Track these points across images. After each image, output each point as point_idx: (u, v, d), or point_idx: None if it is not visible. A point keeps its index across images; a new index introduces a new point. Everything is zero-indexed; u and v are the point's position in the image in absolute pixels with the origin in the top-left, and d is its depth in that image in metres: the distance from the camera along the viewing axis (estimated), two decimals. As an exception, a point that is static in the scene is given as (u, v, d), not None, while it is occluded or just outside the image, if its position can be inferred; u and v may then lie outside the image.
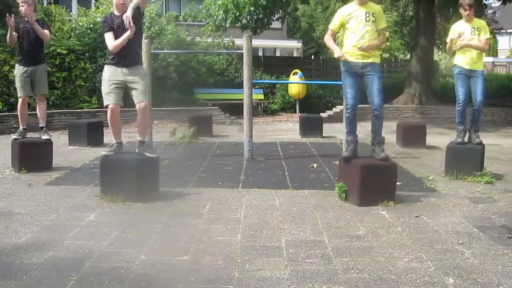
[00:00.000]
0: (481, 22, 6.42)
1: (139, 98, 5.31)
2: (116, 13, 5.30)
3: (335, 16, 5.33)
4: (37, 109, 6.75)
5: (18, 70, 6.64)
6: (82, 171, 6.63)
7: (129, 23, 5.09)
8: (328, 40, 5.37)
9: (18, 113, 6.78)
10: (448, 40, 6.45)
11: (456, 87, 6.38)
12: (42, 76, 6.68)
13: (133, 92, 5.33)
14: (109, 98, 5.29)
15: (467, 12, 6.24)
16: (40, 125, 6.74)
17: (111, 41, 5.24)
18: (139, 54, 5.56)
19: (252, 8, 14.56)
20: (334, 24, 5.31)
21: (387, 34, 22.65)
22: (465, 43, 6.24)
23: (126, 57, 5.28)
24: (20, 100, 6.72)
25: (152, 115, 5.54)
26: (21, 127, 6.76)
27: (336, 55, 5.18)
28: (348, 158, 5.23)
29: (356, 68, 5.18)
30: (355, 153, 5.27)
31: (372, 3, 5.28)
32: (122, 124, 5.71)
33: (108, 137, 9.27)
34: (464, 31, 6.28)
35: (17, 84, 6.67)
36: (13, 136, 6.79)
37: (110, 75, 5.29)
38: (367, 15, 5.14)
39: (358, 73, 5.21)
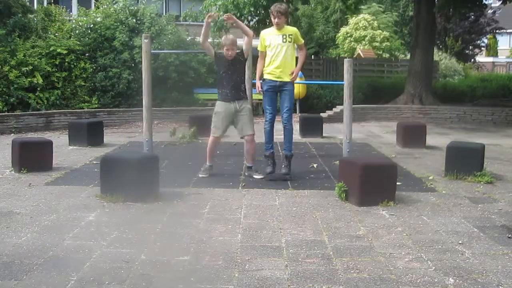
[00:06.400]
0: (292, 29, 6.12)
1: (248, 131, 6.13)
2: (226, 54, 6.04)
3: (260, 39, 6.06)
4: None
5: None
6: (82, 171, 6.63)
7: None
8: (258, 63, 6.13)
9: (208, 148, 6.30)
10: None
11: (264, 104, 6.21)
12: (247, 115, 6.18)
13: (241, 125, 6.10)
14: (217, 131, 6.15)
15: (276, 20, 5.88)
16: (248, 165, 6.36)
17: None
18: (244, 90, 6.21)
19: (252, 9, 14.56)
20: (260, 46, 6.06)
21: (387, 34, 22.78)
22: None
23: (236, 91, 6.03)
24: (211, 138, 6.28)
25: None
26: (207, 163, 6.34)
27: (257, 85, 6.05)
28: (272, 173, 6.10)
29: (275, 87, 6.02)
30: (275, 167, 6.16)
31: (288, 27, 6.09)
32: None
33: (109, 137, 9.32)
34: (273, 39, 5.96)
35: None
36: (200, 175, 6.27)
37: (224, 109, 6.06)
38: (284, 37, 5.92)
39: (276, 91, 6.06)
